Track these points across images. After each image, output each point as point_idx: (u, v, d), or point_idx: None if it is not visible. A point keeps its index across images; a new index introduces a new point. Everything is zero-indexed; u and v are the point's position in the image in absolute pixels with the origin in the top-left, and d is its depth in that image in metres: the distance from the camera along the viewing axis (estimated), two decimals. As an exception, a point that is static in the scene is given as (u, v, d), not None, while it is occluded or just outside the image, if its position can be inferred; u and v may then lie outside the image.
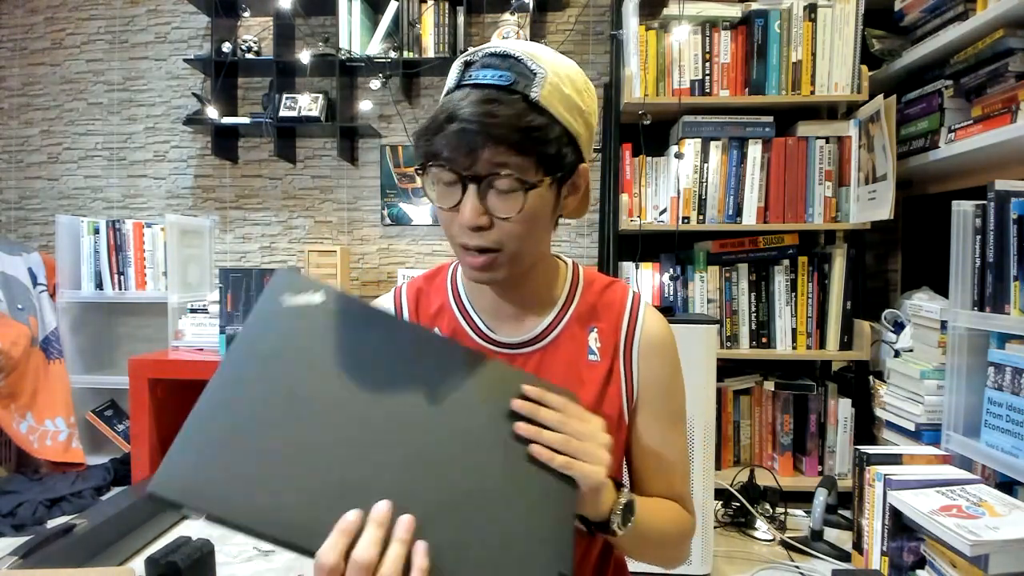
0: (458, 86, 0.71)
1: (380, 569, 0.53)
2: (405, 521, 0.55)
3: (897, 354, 1.96)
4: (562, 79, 0.73)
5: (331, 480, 0.56)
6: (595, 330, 0.84)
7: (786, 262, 2.20)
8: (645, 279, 2.24)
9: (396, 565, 0.53)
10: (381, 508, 0.55)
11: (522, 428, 0.65)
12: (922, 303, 1.86)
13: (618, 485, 0.74)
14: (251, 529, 0.53)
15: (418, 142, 0.72)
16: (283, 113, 2.63)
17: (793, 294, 2.19)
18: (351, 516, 0.54)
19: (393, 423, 0.60)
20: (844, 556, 1.75)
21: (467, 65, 0.72)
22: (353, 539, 0.53)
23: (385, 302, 0.88)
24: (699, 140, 2.15)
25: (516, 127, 0.67)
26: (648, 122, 2.08)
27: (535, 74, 0.70)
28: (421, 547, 0.54)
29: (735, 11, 2.14)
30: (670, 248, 2.20)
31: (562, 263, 0.89)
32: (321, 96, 2.66)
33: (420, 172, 0.73)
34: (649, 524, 0.76)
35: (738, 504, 1.99)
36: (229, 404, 0.56)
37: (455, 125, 0.67)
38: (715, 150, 2.15)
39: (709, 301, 2.22)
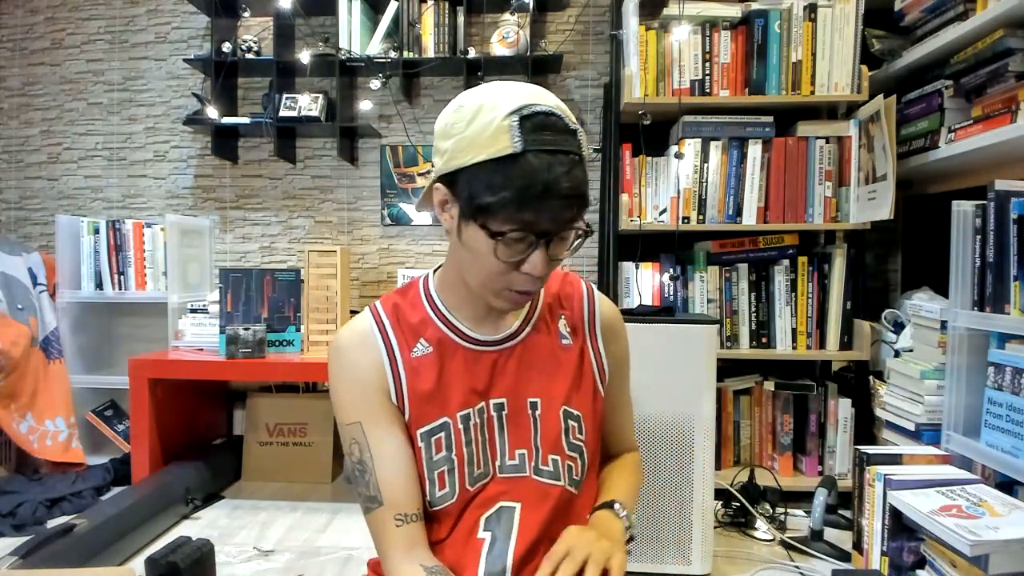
0: (526, 151, 0.72)
1: None
2: None
3: (897, 354, 1.96)
4: (580, 129, 0.78)
5: None
6: (563, 317, 0.93)
7: (786, 262, 2.20)
8: (645, 279, 2.24)
9: None
10: None
11: None
12: (922, 303, 1.86)
13: (607, 504, 0.89)
14: None
15: (498, 208, 0.73)
16: (283, 113, 2.63)
17: (793, 294, 2.19)
18: None
19: None
20: (844, 556, 1.75)
21: (522, 125, 0.72)
22: None
23: (362, 320, 0.89)
24: (699, 140, 2.15)
25: (586, 190, 0.76)
26: (648, 122, 2.08)
27: (575, 133, 0.76)
28: None
29: (735, 11, 2.14)
30: (670, 248, 2.20)
31: None
32: (321, 96, 2.65)
33: (498, 237, 0.74)
34: (633, 502, 0.95)
35: (738, 504, 1.99)
36: None
37: (554, 200, 0.72)
38: (715, 150, 2.15)
39: (709, 301, 2.22)
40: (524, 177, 0.71)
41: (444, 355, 0.87)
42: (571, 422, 0.88)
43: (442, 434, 0.85)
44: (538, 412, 0.87)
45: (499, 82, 0.79)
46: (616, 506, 0.88)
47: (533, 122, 0.73)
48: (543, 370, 0.89)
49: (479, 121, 0.74)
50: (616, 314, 0.97)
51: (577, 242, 0.79)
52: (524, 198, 0.72)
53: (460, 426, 0.85)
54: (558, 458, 0.86)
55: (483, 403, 0.86)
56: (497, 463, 0.86)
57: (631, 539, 0.88)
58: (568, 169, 0.72)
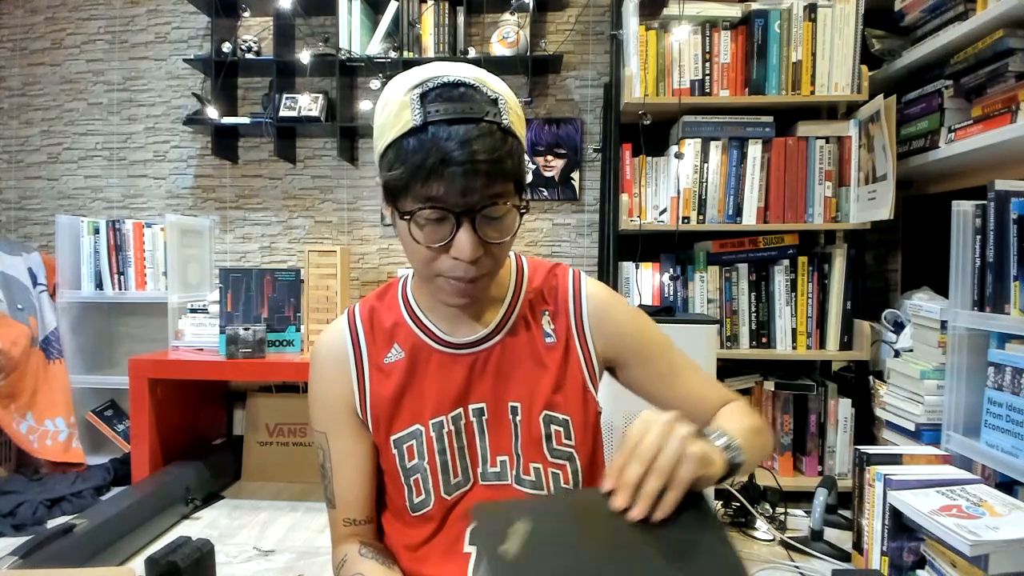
0: (426, 123, 0.68)
1: None
2: None
3: (897, 354, 1.96)
4: (510, 100, 0.73)
5: None
6: (547, 313, 0.87)
7: (786, 262, 2.20)
8: (645, 279, 2.24)
9: None
10: None
11: (635, 517, 0.60)
12: (922, 303, 1.86)
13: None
14: None
15: (401, 186, 0.70)
16: (283, 113, 2.63)
17: (793, 294, 2.19)
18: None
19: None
20: (844, 556, 1.75)
21: (423, 98, 0.69)
22: None
23: (337, 329, 0.88)
24: (699, 140, 2.15)
25: (503, 157, 0.68)
26: (648, 122, 2.08)
27: (495, 101, 0.71)
28: None
29: (735, 11, 2.13)
30: (670, 248, 2.20)
31: None
32: (321, 96, 2.65)
33: (406, 217, 0.71)
34: (744, 434, 0.76)
35: (738, 504, 1.99)
36: None
37: (453, 168, 0.66)
38: (715, 150, 2.15)
39: (709, 301, 2.22)
40: (421, 148, 0.67)
41: (418, 360, 0.84)
42: (555, 427, 0.83)
43: (413, 442, 0.83)
44: (518, 417, 0.83)
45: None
46: (706, 431, 0.72)
47: (435, 93, 0.69)
48: (524, 372, 0.84)
49: (387, 104, 0.72)
50: (606, 296, 0.89)
51: (511, 219, 0.72)
52: (422, 170, 0.67)
53: (432, 434, 0.82)
54: (540, 466, 0.82)
55: (460, 409, 0.83)
56: (479, 470, 0.83)
57: (734, 468, 0.70)
58: (473, 136, 0.66)
